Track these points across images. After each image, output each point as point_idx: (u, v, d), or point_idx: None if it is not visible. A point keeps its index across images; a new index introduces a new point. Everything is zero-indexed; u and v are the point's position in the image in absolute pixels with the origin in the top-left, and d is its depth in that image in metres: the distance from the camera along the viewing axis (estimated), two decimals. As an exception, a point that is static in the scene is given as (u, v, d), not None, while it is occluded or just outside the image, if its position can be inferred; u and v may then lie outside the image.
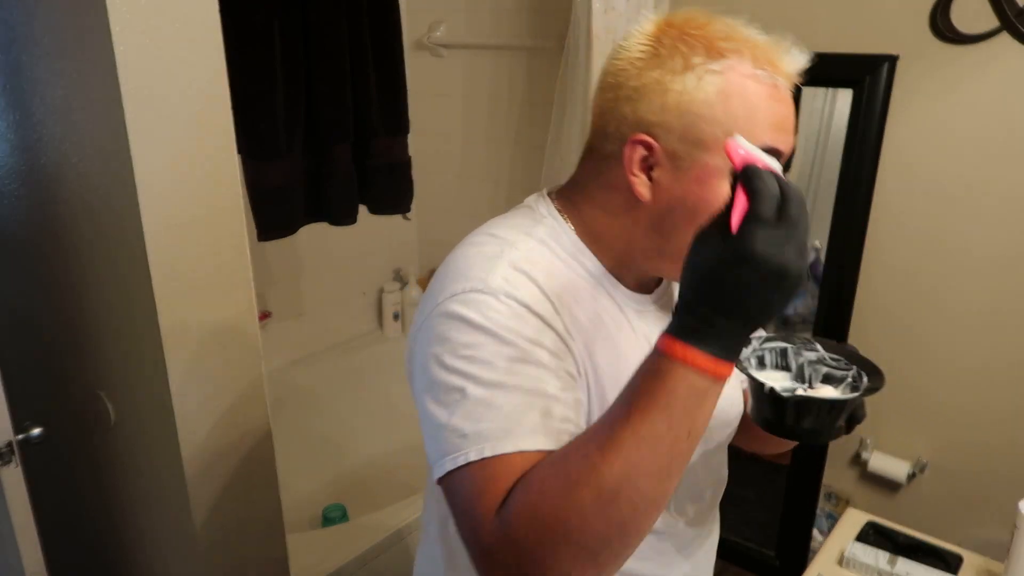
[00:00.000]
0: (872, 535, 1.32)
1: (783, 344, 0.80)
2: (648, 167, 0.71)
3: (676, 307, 0.61)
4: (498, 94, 2.35)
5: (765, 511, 1.90)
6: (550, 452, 0.63)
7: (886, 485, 1.76)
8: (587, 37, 1.75)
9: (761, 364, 0.80)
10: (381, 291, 2.62)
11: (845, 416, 0.74)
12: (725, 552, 2.04)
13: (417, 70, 2.39)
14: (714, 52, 0.68)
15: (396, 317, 2.63)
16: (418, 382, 0.69)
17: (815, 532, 1.85)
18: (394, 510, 1.81)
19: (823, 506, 1.85)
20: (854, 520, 1.36)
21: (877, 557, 1.24)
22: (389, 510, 1.82)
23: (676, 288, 0.86)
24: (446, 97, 2.46)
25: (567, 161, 1.93)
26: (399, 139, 2.23)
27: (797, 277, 0.56)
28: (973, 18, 1.45)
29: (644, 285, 0.81)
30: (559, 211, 0.79)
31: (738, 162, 0.59)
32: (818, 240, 1.79)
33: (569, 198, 0.80)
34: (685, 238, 0.69)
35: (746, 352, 0.77)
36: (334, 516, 2.08)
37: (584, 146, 0.79)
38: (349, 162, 2.12)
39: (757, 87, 0.68)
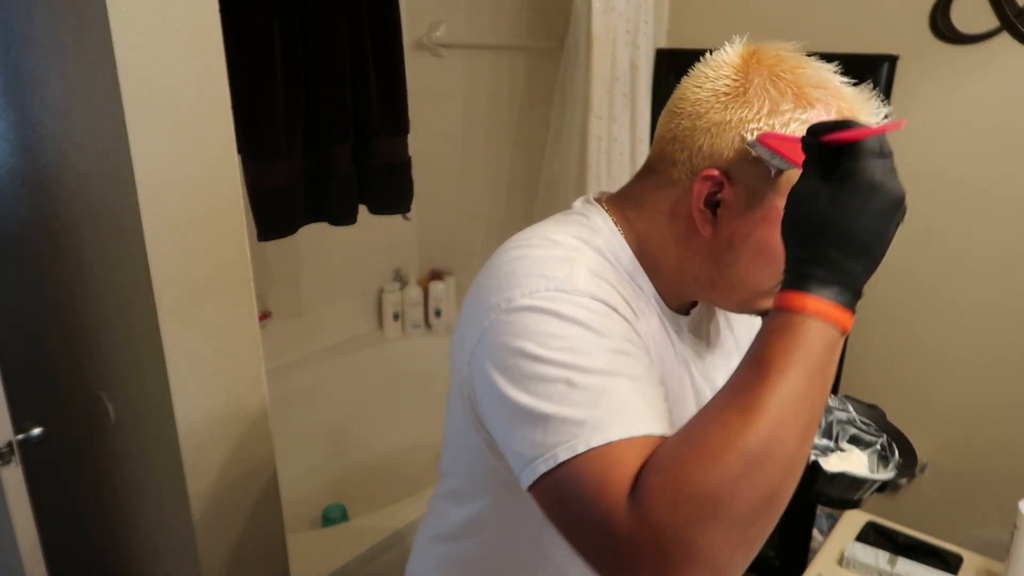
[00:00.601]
0: (872, 535, 1.32)
1: None
2: (714, 203, 0.70)
3: (790, 265, 0.61)
4: (498, 94, 2.35)
5: (765, 511, 1.90)
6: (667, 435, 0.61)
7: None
8: (587, 37, 1.75)
9: None
10: (381, 291, 2.62)
11: (873, 491, 0.76)
12: (725, 552, 2.04)
13: (417, 70, 2.39)
14: (802, 100, 0.67)
15: (396, 317, 2.63)
16: (498, 381, 0.64)
17: (815, 532, 1.85)
18: (394, 510, 1.81)
19: (823, 506, 1.84)
20: (854, 520, 1.36)
21: (877, 557, 1.24)
22: (389, 510, 1.82)
23: (710, 314, 0.86)
24: (446, 97, 2.46)
25: (567, 161, 1.93)
26: (399, 139, 2.23)
27: (906, 205, 0.60)
28: (973, 18, 1.45)
29: (681, 307, 0.80)
30: (614, 224, 0.77)
31: (794, 138, 0.63)
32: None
33: (623, 212, 0.77)
34: (740, 273, 0.71)
35: None
36: (334, 516, 2.08)
37: (645, 165, 0.77)
38: (349, 162, 2.12)
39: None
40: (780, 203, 0.66)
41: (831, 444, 0.82)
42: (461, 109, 2.45)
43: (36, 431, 1.13)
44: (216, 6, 1.08)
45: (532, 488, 0.61)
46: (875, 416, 0.85)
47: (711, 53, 0.72)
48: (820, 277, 0.58)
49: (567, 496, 0.59)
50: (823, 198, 0.59)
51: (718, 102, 0.68)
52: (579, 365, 0.61)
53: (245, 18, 1.77)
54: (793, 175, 0.64)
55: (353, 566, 1.66)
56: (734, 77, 0.68)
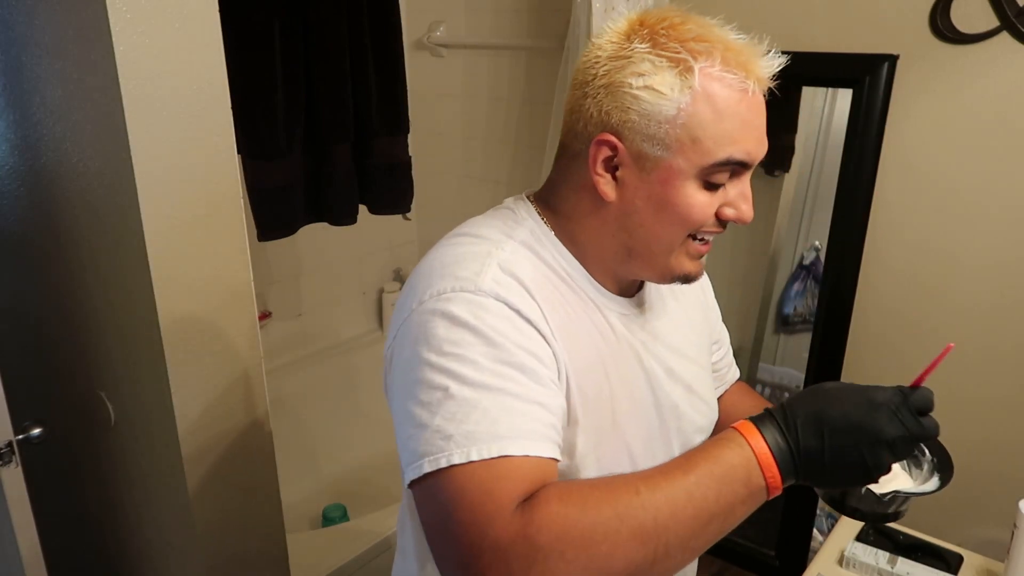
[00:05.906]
0: (872, 535, 1.32)
1: None
2: (613, 167, 0.71)
3: (782, 404, 0.66)
4: (498, 94, 2.35)
5: (765, 511, 1.89)
6: (557, 461, 0.65)
7: (886, 485, 1.76)
8: (587, 37, 1.75)
9: None
10: (381, 291, 2.62)
11: (906, 505, 0.79)
12: (725, 552, 2.04)
13: (417, 70, 2.39)
14: (685, 53, 0.67)
15: (396, 317, 2.63)
16: (398, 382, 0.69)
17: (815, 532, 1.85)
18: (394, 510, 1.81)
19: (823, 506, 1.84)
20: (854, 520, 1.35)
21: (877, 557, 1.24)
22: (389, 510, 1.82)
23: (657, 291, 0.86)
24: (446, 97, 2.46)
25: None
26: (399, 139, 2.23)
27: (885, 463, 0.67)
28: (973, 18, 1.45)
29: (625, 289, 0.81)
30: (538, 213, 0.79)
31: None
32: (818, 240, 1.79)
33: (546, 200, 0.80)
34: (650, 235, 0.72)
35: None
36: (334, 516, 2.08)
37: (558, 147, 0.78)
38: (349, 162, 2.12)
39: (725, 91, 0.67)
40: (674, 162, 0.68)
41: None
42: (461, 109, 2.45)
43: (36, 431, 1.13)
44: (216, 6, 1.08)
45: (411, 487, 0.65)
46: None
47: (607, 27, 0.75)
48: (781, 440, 0.64)
49: (433, 505, 0.63)
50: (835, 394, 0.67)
51: (603, 67, 0.70)
52: (460, 374, 0.64)
53: (245, 18, 1.77)
54: (678, 132, 0.67)
55: (353, 566, 1.66)
56: (619, 43, 0.70)
